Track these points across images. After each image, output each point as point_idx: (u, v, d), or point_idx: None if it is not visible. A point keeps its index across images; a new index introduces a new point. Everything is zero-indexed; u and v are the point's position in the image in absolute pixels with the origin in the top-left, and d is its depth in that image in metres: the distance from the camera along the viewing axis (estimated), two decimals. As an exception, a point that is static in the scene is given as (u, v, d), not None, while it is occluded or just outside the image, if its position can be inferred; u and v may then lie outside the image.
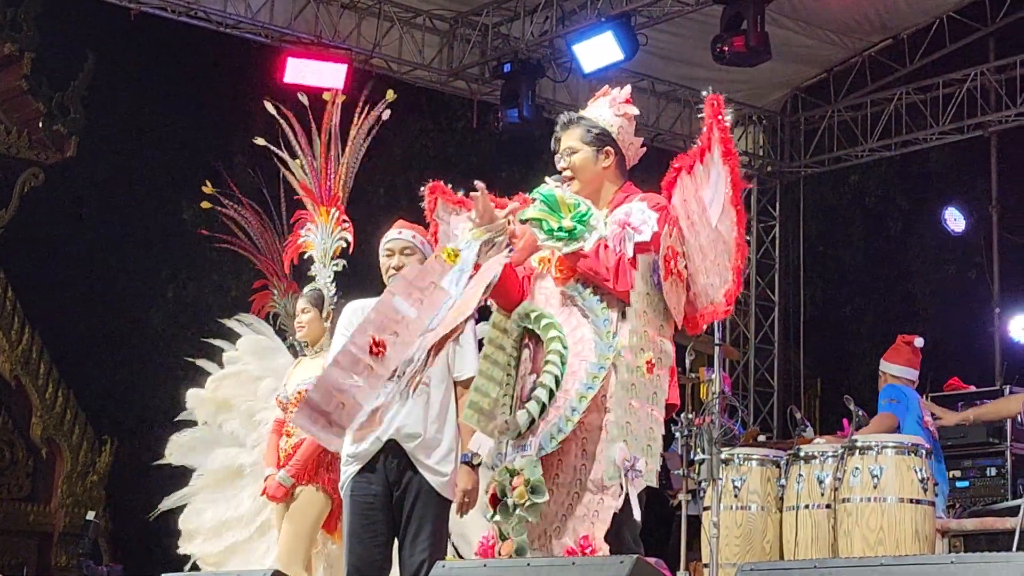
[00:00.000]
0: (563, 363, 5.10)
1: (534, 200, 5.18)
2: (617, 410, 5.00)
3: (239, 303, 10.77)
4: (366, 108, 9.07)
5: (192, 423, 9.05)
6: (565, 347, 5.12)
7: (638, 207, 5.17)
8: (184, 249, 18.24)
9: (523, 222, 5.18)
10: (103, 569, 13.90)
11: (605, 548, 4.96)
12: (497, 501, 5.17)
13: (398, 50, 13.52)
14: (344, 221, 8.99)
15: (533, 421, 5.09)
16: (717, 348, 8.38)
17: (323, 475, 7.73)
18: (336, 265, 8.90)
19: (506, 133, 14.41)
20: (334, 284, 8.73)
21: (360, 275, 8.13)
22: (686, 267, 5.12)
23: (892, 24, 14.64)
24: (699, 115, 5.05)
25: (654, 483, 5.08)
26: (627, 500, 5.00)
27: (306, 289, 8.37)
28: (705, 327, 5.38)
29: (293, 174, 9.01)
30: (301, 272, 9.92)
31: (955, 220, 17.29)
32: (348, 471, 6.22)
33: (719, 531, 7.60)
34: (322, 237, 8.98)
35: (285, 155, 9.00)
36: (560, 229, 5.10)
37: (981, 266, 16.68)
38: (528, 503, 5.04)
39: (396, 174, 17.48)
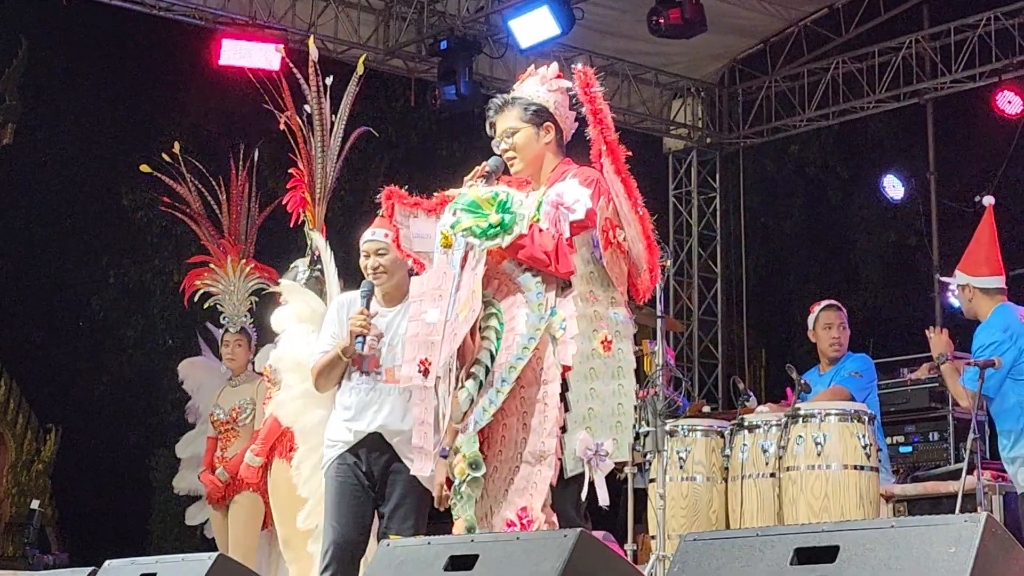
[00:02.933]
0: (498, 339, 5.12)
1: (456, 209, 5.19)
2: (577, 399, 5.05)
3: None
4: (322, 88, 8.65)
5: None
6: (501, 324, 5.14)
7: (570, 184, 5.17)
8: (125, 234, 18.17)
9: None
10: (49, 558, 13.85)
11: (542, 518, 5.00)
12: (451, 483, 5.24)
13: (334, 29, 13.42)
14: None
15: (472, 399, 5.11)
16: (660, 320, 8.39)
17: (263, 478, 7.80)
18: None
19: (444, 110, 14.36)
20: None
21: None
22: (625, 238, 5.13)
23: (827, -7, 14.70)
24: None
25: (627, 456, 5.20)
26: (592, 485, 5.03)
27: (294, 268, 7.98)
28: (649, 295, 5.40)
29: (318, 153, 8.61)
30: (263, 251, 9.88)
31: (894, 188, 17.40)
32: (330, 454, 6.24)
33: (665, 503, 7.64)
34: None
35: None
36: (490, 227, 5.10)
37: (921, 233, 16.79)
38: (469, 478, 5.08)
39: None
